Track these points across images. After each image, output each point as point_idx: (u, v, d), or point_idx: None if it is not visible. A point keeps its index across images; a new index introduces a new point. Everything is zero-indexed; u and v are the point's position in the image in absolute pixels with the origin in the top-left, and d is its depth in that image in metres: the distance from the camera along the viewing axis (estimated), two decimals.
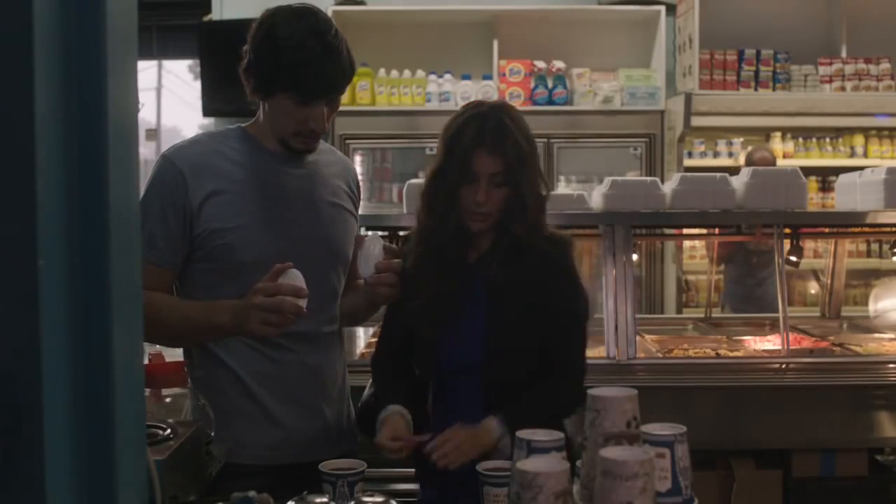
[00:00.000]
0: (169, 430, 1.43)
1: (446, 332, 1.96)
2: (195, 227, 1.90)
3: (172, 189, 1.90)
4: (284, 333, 1.85)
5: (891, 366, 3.09)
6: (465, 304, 1.97)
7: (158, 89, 12.62)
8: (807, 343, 3.35)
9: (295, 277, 1.78)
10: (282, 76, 1.86)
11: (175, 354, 1.94)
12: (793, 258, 3.39)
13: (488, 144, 1.90)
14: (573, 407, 1.93)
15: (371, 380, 2.15)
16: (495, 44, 5.68)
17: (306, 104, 1.89)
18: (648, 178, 3.83)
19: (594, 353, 3.15)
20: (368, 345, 3.27)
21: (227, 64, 2.17)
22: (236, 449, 1.86)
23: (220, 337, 1.91)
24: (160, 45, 8.96)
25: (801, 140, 5.83)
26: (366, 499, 1.57)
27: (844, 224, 3.60)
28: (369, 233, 1.99)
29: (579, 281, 2.03)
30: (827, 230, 3.71)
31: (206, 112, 5.81)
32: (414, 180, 3.44)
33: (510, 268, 1.94)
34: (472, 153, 1.90)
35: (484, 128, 1.91)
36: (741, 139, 5.82)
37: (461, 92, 5.61)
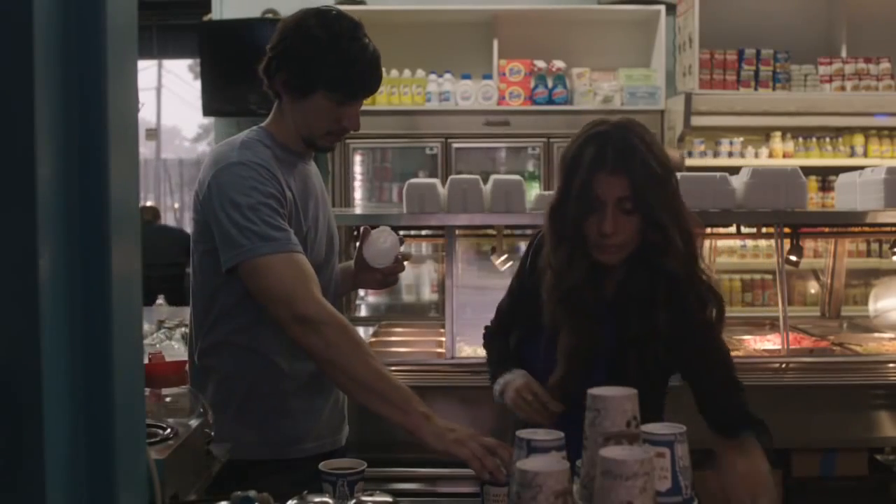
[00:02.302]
0: (169, 430, 1.43)
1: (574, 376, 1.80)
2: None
3: (274, 183, 1.87)
4: None
5: (891, 366, 3.09)
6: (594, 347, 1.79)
7: (158, 89, 12.63)
8: (807, 343, 3.35)
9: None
10: (327, 76, 1.88)
11: (174, 354, 1.94)
12: (793, 258, 3.39)
13: (609, 165, 1.68)
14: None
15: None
16: (495, 43, 5.69)
17: (346, 104, 1.92)
18: None
19: None
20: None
21: (227, 63, 2.18)
22: (245, 446, 1.90)
23: (391, 416, 1.78)
24: (160, 44, 8.97)
25: (801, 140, 5.83)
26: (366, 498, 1.57)
27: (844, 224, 3.60)
28: (382, 227, 2.05)
29: (721, 339, 1.84)
30: (827, 230, 3.71)
31: (206, 111, 5.81)
32: (414, 180, 3.45)
33: (645, 317, 1.75)
34: (594, 176, 1.69)
35: (605, 147, 1.69)
36: (741, 139, 5.83)
37: (461, 91, 5.61)
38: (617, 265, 1.78)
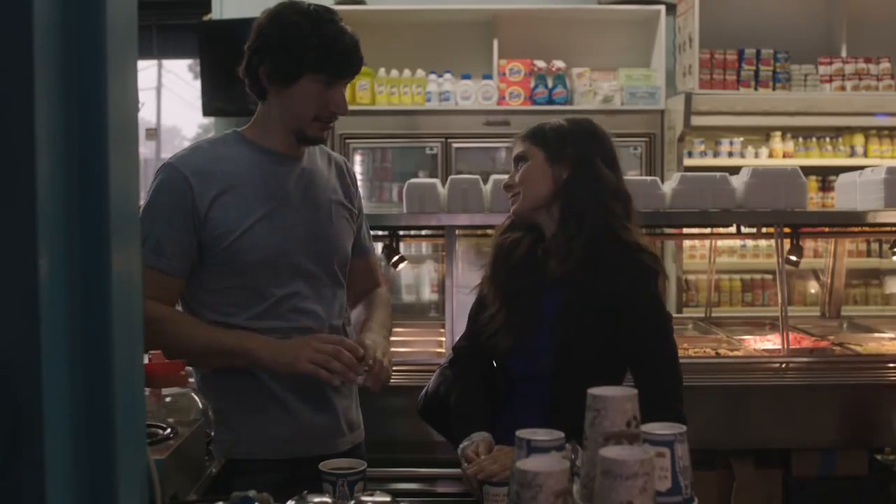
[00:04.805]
0: (169, 430, 1.43)
1: (516, 343, 1.96)
2: (202, 231, 1.91)
3: (179, 196, 1.91)
4: (295, 327, 1.94)
5: (891, 366, 3.09)
6: (536, 317, 1.95)
7: (158, 89, 12.60)
8: (807, 343, 3.35)
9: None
10: (311, 58, 1.90)
11: None
12: (793, 258, 3.39)
13: (515, 143, 2.05)
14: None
15: (449, 368, 2.12)
16: (495, 43, 5.68)
17: (332, 85, 1.94)
18: (648, 178, 3.83)
19: None
20: None
21: (227, 63, 2.18)
22: (249, 445, 1.92)
23: (240, 363, 1.91)
24: (160, 44, 8.95)
25: (801, 140, 5.83)
26: (365, 498, 1.57)
27: (844, 224, 3.60)
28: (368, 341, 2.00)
29: (661, 307, 1.93)
30: (827, 230, 3.71)
31: (206, 111, 5.80)
32: (414, 180, 3.44)
33: (583, 286, 1.89)
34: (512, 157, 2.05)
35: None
36: (741, 139, 5.83)
37: (461, 91, 5.61)
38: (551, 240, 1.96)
